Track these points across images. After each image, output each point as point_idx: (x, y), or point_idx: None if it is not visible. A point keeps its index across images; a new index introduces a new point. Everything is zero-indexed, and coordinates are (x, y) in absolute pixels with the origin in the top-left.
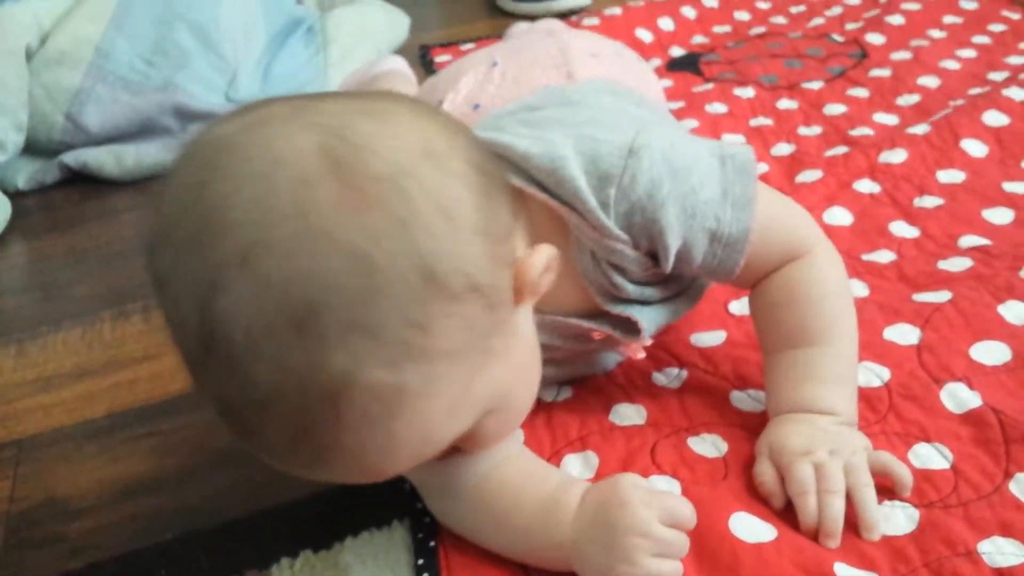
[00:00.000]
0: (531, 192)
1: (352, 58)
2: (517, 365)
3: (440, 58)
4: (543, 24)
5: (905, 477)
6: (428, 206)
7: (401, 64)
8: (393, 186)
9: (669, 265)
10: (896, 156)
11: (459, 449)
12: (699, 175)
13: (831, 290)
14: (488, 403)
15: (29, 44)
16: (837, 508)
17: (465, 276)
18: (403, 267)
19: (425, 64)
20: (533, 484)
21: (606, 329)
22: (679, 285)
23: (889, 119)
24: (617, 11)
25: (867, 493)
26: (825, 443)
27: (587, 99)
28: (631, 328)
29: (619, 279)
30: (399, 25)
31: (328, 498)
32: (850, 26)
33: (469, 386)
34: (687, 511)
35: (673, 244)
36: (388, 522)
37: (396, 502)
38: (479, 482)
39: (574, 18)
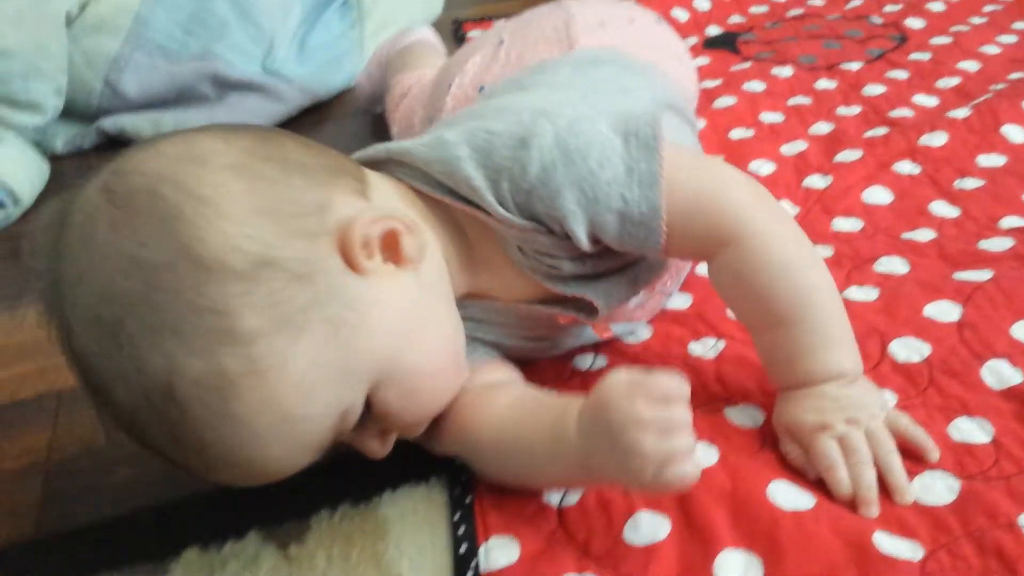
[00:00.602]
0: (439, 197)
1: (387, 31)
2: (389, 332)
3: (472, 33)
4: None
5: (925, 442)
6: (185, 201)
7: (429, 34)
8: (149, 193)
9: (584, 246)
10: (936, 139)
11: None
12: (597, 156)
13: (780, 267)
14: (365, 374)
15: (69, 11)
16: (870, 477)
17: (246, 254)
18: (171, 260)
19: (458, 39)
20: (537, 421)
21: (569, 312)
22: (622, 256)
23: (929, 100)
24: None
25: (892, 459)
26: (839, 412)
27: (544, 79)
28: (592, 308)
29: (551, 261)
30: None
31: None
32: (889, 8)
33: (318, 359)
34: (672, 383)
35: (578, 228)
36: (426, 478)
37: (435, 458)
38: (494, 435)
39: None
